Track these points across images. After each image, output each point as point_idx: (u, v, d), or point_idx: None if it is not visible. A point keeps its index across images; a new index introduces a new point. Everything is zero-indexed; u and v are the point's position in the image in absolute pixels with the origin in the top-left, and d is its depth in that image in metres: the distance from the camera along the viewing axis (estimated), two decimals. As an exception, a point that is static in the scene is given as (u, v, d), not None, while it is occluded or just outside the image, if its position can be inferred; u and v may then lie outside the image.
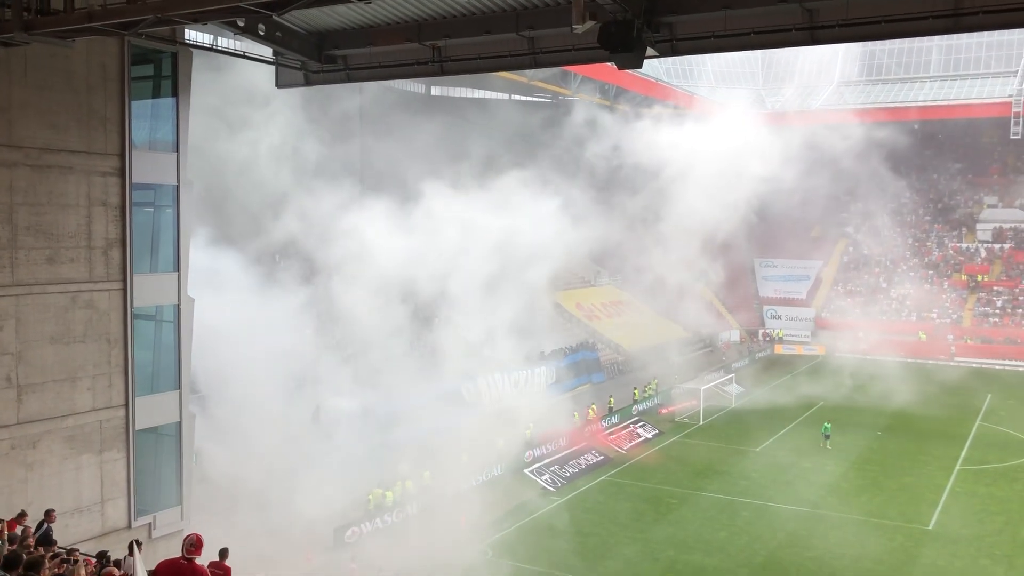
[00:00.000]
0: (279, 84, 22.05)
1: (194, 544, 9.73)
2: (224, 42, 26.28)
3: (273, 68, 21.82)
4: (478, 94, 63.19)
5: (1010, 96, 68.20)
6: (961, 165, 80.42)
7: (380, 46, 19.32)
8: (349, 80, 21.01)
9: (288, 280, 37.35)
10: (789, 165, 54.40)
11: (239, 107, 36.20)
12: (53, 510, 15.93)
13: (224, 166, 36.34)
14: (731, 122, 54.70)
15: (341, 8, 17.91)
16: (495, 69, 20.03)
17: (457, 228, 39.21)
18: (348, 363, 37.36)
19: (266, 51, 20.73)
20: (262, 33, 18.70)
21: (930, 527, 31.82)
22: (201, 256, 28.28)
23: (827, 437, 42.22)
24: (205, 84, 28.82)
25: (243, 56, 21.44)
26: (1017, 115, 66.50)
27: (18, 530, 13.62)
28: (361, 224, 36.74)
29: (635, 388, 49.75)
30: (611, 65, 16.59)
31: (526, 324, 46.12)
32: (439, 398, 39.24)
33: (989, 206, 77.31)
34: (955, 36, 67.41)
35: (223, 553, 12.76)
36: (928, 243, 76.07)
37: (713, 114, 59.04)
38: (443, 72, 19.39)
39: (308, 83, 21.13)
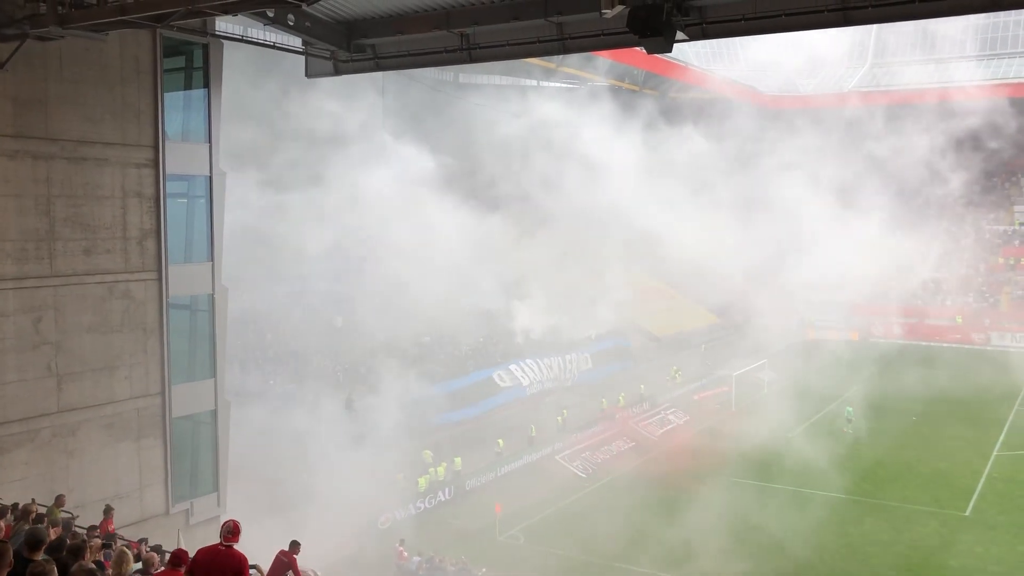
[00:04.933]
0: (309, 74, 22.15)
1: (231, 531, 9.71)
2: (254, 33, 26.44)
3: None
4: (504, 80, 62.92)
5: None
6: (997, 145, 78.80)
7: (408, 34, 19.34)
8: (378, 69, 21.08)
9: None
10: (824, 148, 53.80)
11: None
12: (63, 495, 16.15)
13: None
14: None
15: (369, -4, 17.98)
16: (524, 56, 19.98)
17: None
18: (383, 351, 37.68)
19: (296, 41, 20.85)
20: (291, 23, 18.82)
21: (967, 513, 31.47)
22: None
23: (849, 421, 42.25)
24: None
25: (273, 47, 21.56)
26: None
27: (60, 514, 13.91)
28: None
29: (667, 375, 49.60)
30: (640, 50, 16.51)
31: (560, 311, 46.27)
32: (473, 384, 39.46)
33: (1028, 187, 75.86)
34: (984, 16, 66.26)
35: (294, 545, 14.24)
36: (965, 226, 74.74)
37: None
38: (472, 60, 19.37)
39: (337, 72, 21.21)
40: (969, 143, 76.82)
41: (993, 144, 75.62)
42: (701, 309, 61.24)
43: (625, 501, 33.14)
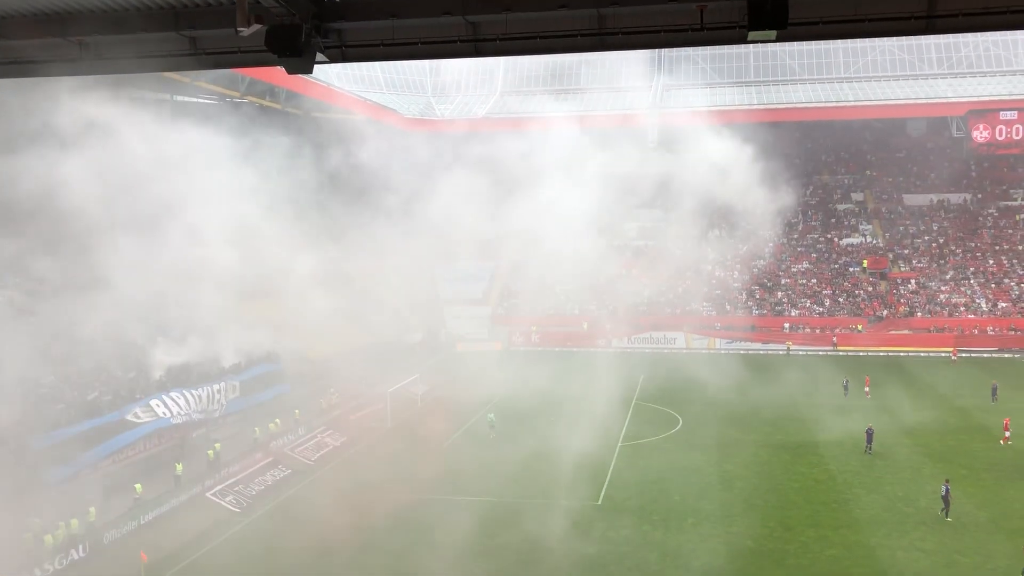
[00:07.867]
0: None
1: None
2: None
3: None
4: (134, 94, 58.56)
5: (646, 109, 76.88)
6: (621, 171, 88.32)
7: (17, 40, 17.24)
8: (-23, 77, 18.54)
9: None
10: (456, 171, 56.93)
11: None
12: None
13: None
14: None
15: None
16: (154, 69, 18.70)
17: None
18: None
19: None
20: None
21: (599, 502, 34.73)
22: None
23: (492, 427, 45.19)
24: None
25: None
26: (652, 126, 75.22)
27: None
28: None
29: (322, 397, 49.09)
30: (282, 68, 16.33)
31: (205, 335, 43.87)
32: (107, 425, 35.98)
33: (635, 208, 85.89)
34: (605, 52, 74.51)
35: None
36: (588, 242, 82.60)
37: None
38: (93, 71, 17.78)
39: (-75, 79, 18.35)
40: (590, 167, 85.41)
41: (617, 170, 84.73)
42: (355, 328, 61.42)
43: (281, 531, 32.21)
